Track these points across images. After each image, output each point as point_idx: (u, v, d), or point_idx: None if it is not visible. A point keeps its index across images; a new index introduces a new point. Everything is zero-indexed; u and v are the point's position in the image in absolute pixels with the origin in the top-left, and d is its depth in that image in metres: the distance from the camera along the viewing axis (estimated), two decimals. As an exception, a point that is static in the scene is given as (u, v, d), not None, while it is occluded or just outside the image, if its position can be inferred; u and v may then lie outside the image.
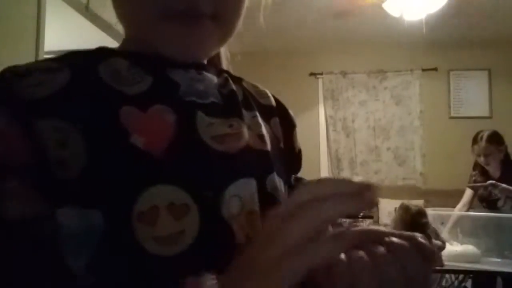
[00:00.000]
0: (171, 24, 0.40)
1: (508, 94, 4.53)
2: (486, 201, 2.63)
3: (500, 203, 2.56)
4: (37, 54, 2.04)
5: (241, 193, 0.39)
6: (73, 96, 0.36)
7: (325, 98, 4.79)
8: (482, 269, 2.21)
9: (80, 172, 0.33)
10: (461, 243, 2.32)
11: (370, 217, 2.70)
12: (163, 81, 0.41)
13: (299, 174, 0.56)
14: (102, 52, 0.42)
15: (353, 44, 4.64)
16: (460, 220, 2.50)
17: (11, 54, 1.88)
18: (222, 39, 0.46)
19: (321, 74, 4.81)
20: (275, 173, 0.44)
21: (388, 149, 4.65)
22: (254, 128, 0.46)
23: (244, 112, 0.46)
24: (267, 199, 0.42)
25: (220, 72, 0.50)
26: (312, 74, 4.84)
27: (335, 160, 4.70)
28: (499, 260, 2.22)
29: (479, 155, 2.58)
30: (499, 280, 2.48)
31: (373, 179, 4.62)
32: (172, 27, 0.40)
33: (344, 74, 4.77)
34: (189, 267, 0.34)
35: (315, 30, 4.27)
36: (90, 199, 0.33)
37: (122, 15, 0.44)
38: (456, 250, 2.26)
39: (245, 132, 0.43)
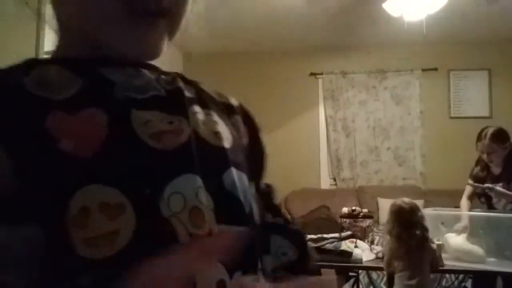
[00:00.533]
0: (133, 23, 0.40)
1: (508, 94, 4.53)
2: (485, 196, 2.64)
3: (494, 200, 2.58)
4: (37, 54, 2.04)
5: (182, 190, 0.38)
6: None
7: (325, 98, 4.80)
8: (482, 269, 2.21)
9: (6, 189, 0.32)
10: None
11: (370, 217, 2.69)
12: (95, 81, 0.40)
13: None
14: (29, 63, 0.40)
15: (353, 44, 4.65)
16: (459, 220, 2.51)
17: (12, 55, 1.88)
18: (169, 38, 0.45)
19: (321, 74, 4.81)
20: (232, 168, 0.44)
21: (388, 149, 4.65)
22: (209, 125, 0.45)
23: (197, 108, 0.46)
24: (225, 195, 0.42)
25: (169, 73, 0.49)
26: (312, 74, 4.84)
27: (335, 160, 4.70)
28: (499, 260, 2.22)
29: (482, 152, 2.59)
30: (499, 280, 2.48)
31: (373, 179, 4.63)
32: (134, 26, 0.40)
33: (344, 74, 4.77)
34: (127, 267, 0.32)
35: (315, 30, 4.27)
36: (22, 214, 0.32)
37: (72, 16, 0.42)
38: (462, 247, 2.26)
39: (186, 129, 0.42)
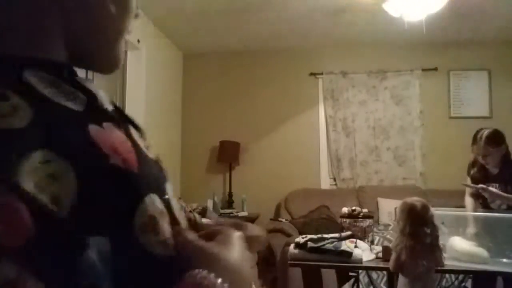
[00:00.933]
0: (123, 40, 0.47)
1: (508, 94, 4.53)
2: (481, 196, 2.64)
3: (489, 199, 2.58)
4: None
5: (171, 194, 0.43)
6: (39, 122, 0.33)
7: (325, 98, 4.80)
8: (482, 269, 2.21)
9: (72, 203, 0.32)
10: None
11: (370, 217, 2.69)
12: (89, 92, 0.40)
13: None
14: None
15: (353, 44, 4.65)
16: (460, 220, 2.51)
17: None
18: None
19: (321, 74, 4.81)
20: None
21: (388, 149, 4.65)
22: None
23: None
24: None
25: None
26: (312, 74, 4.84)
27: (335, 160, 4.70)
28: (499, 260, 2.22)
29: (478, 155, 2.58)
30: (499, 280, 2.48)
31: (373, 179, 4.63)
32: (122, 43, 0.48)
33: (344, 74, 4.77)
34: (185, 260, 0.38)
35: (315, 30, 4.27)
36: (88, 229, 0.32)
37: (81, 27, 0.42)
38: (467, 249, 2.25)
39: (148, 141, 0.46)
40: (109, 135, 0.37)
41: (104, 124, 0.38)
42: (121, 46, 0.46)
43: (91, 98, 0.40)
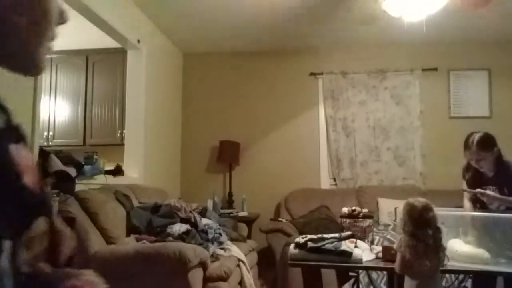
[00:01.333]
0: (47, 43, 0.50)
1: (508, 94, 4.53)
2: (479, 201, 2.64)
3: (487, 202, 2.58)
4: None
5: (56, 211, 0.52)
6: None
7: (325, 98, 4.79)
8: (482, 269, 2.21)
9: None
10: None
11: (370, 217, 2.69)
12: (4, 108, 0.44)
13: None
14: None
15: (353, 44, 4.65)
16: (460, 220, 2.50)
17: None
18: None
19: (321, 74, 4.81)
20: None
21: (388, 149, 4.65)
22: None
23: None
24: None
25: None
26: (312, 74, 4.84)
27: (335, 160, 4.70)
28: (499, 260, 2.22)
29: (471, 159, 2.58)
30: (499, 280, 2.48)
31: (373, 179, 4.63)
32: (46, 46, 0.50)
33: (344, 74, 4.77)
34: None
35: (316, 30, 4.27)
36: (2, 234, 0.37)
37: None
38: (467, 251, 2.25)
39: None
40: (23, 156, 0.41)
41: (20, 144, 0.42)
42: (41, 51, 0.47)
43: (7, 114, 0.43)
